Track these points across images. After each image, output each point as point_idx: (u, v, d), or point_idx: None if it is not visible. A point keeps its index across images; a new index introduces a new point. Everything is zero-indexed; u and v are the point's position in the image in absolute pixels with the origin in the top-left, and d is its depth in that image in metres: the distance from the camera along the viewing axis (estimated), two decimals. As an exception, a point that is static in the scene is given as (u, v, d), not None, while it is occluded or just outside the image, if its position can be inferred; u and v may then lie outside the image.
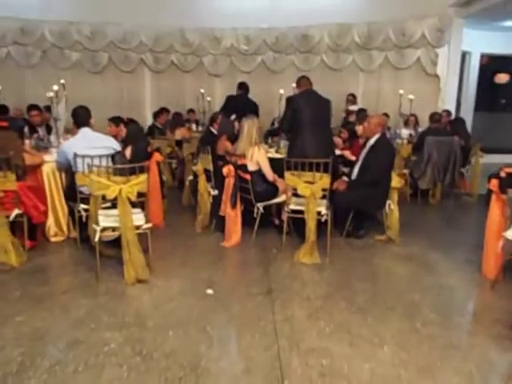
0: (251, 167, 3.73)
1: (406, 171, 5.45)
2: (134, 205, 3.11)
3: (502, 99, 10.24)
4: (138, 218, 3.12)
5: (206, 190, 4.21)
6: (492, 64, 9.22)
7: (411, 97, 6.06)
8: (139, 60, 7.91)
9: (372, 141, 3.94)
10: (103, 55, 7.71)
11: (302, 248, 3.51)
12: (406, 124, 6.93)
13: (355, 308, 2.75)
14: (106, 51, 7.69)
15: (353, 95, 7.46)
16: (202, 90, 7.10)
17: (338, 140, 4.52)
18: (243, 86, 5.45)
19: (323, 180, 3.40)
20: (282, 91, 4.84)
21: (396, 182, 3.73)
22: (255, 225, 3.86)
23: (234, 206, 3.77)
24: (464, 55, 7.98)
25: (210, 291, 2.96)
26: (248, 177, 3.70)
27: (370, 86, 7.76)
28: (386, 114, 6.94)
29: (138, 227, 3.10)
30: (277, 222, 4.21)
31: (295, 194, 3.64)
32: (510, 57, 8.62)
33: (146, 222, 3.16)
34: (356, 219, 4.06)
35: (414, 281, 3.16)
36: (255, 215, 3.83)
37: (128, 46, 7.70)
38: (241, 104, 5.16)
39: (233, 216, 3.84)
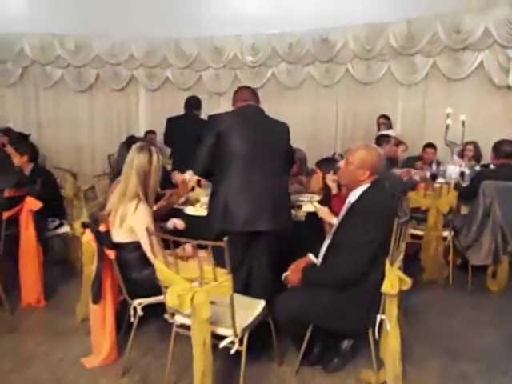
0: (119, 237, 2.10)
1: (446, 234, 3.42)
2: None
3: None
4: None
5: (92, 257, 2.67)
6: None
7: (463, 118, 4.05)
8: (130, 76, 6.81)
9: (354, 196, 2.11)
10: (90, 71, 6.73)
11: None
12: (462, 156, 4.83)
13: None
14: (92, 67, 6.71)
15: (386, 117, 5.54)
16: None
17: (314, 188, 2.70)
18: (190, 103, 3.92)
19: (221, 282, 1.68)
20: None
21: (389, 284, 1.84)
22: (131, 334, 2.20)
23: (95, 300, 2.17)
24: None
25: None
26: (111, 254, 2.08)
27: (412, 103, 5.72)
28: (431, 145, 4.92)
29: None
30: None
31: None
32: None
33: None
34: (325, 337, 2.23)
35: None
36: (132, 319, 2.18)
37: (117, 60, 6.63)
38: (187, 127, 3.63)
39: (99, 315, 2.24)
